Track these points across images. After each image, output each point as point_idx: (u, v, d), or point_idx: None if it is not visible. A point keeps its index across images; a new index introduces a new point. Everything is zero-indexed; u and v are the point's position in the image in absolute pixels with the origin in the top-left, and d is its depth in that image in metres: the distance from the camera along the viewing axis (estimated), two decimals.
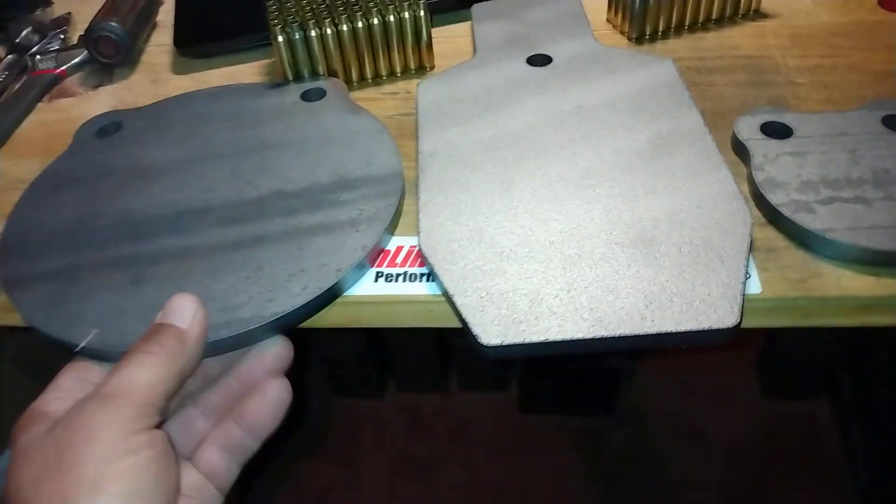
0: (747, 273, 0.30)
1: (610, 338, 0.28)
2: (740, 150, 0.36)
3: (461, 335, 0.29)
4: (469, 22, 0.49)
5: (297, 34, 0.42)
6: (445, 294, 0.31)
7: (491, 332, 0.29)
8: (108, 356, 0.30)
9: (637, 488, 0.93)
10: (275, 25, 0.42)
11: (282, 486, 0.96)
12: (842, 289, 0.30)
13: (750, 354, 1.02)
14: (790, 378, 0.98)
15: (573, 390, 0.99)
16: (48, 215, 0.37)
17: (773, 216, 0.33)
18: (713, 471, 0.93)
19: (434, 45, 0.46)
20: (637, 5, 0.45)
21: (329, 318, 0.32)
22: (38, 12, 0.56)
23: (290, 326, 0.31)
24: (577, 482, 0.94)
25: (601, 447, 0.98)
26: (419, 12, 0.44)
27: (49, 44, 0.52)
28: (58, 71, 0.50)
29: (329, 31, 0.43)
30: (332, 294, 0.32)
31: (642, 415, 1.01)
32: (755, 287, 0.30)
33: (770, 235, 0.32)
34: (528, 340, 0.28)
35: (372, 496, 0.95)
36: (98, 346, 0.30)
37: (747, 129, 0.36)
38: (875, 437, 0.86)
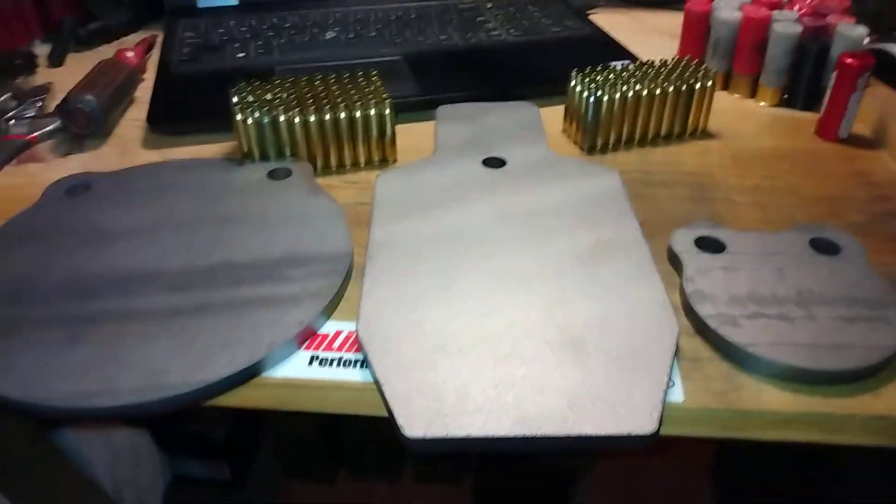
0: (671, 381, 0.31)
1: (531, 437, 0.28)
2: (675, 261, 0.38)
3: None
4: (434, 121, 0.52)
5: (265, 118, 0.44)
6: (376, 382, 0.31)
7: (415, 424, 0.29)
8: (31, 411, 0.30)
9: None
10: (239, 109, 0.44)
11: None
12: (761, 403, 0.31)
13: (706, 461, 1.01)
14: (742, 489, 0.97)
15: (527, 487, 0.97)
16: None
17: (700, 327, 0.34)
18: None
19: (399, 140, 0.48)
20: (590, 119, 0.47)
21: (260, 398, 0.32)
22: (19, 80, 0.58)
23: (217, 395, 0.31)
24: None
25: None
26: (385, 110, 0.46)
27: (25, 110, 0.54)
28: (29, 137, 0.51)
29: (298, 119, 0.45)
30: (260, 367, 0.32)
31: None
32: (678, 396, 0.31)
33: (696, 346, 0.33)
34: (450, 435, 0.28)
35: None
36: (23, 398, 0.30)
37: (682, 241, 0.38)
38: None
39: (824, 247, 0.37)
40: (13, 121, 0.52)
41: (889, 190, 0.45)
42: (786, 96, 0.55)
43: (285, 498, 1.00)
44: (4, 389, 0.30)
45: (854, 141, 0.50)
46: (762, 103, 0.56)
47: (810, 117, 0.52)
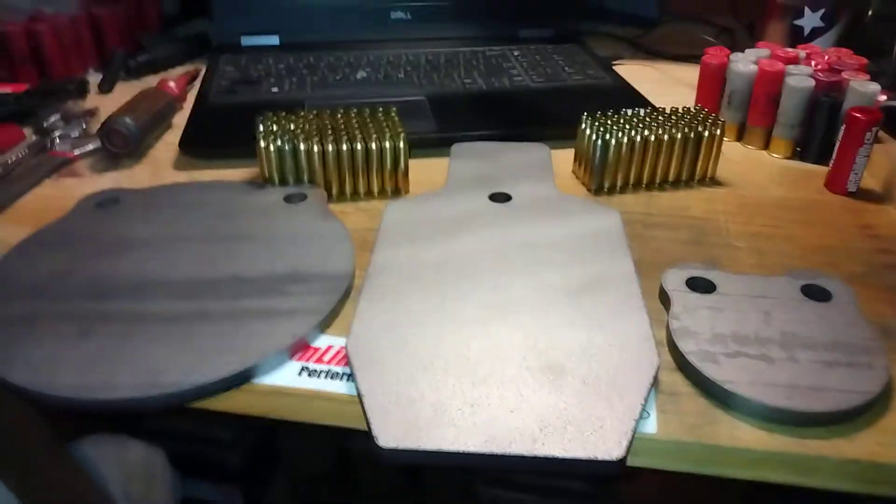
0: (645, 412, 0.31)
1: (500, 455, 0.29)
2: (665, 299, 0.38)
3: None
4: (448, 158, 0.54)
5: (286, 146, 0.47)
6: (358, 394, 0.32)
7: (390, 435, 0.30)
8: (38, 399, 0.32)
9: None
10: (263, 136, 0.47)
11: None
12: (735, 440, 0.31)
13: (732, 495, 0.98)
14: None
15: None
16: (27, 267, 0.41)
17: (681, 363, 0.34)
18: None
19: (414, 174, 0.50)
20: (597, 161, 0.49)
21: (248, 403, 0.34)
22: (70, 103, 0.63)
23: (208, 396, 0.33)
24: None
25: None
26: (399, 143, 0.48)
27: (71, 130, 0.58)
28: (71, 154, 0.55)
29: (316, 148, 0.47)
30: (251, 374, 0.34)
31: None
32: (651, 427, 0.31)
33: (676, 381, 0.34)
34: (422, 448, 0.29)
35: None
36: (28, 385, 0.32)
37: (673, 280, 0.38)
38: None
39: (815, 293, 0.38)
40: (59, 140, 0.56)
41: (892, 244, 0.44)
42: (799, 149, 0.55)
43: None
44: (12, 375, 0.33)
45: (863, 195, 0.50)
46: (775, 155, 0.56)
47: (822, 170, 0.53)
